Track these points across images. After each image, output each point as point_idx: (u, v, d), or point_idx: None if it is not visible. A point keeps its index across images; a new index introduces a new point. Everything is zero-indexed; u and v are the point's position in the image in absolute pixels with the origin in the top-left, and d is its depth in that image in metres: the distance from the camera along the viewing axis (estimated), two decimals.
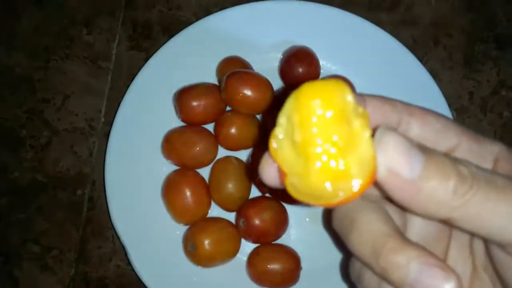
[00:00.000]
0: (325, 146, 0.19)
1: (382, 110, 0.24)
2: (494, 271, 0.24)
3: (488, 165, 0.24)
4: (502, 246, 0.21)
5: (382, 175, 0.20)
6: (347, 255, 0.24)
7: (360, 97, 0.23)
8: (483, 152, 0.24)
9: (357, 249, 0.22)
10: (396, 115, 0.24)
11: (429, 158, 0.20)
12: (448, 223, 0.21)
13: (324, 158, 0.19)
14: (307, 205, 0.21)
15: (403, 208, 0.22)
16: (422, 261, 0.20)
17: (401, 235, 0.21)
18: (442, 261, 0.20)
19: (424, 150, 0.20)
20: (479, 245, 0.25)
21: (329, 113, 0.19)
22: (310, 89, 0.20)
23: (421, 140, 0.24)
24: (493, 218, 0.19)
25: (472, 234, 0.23)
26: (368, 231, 0.22)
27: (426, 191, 0.19)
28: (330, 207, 0.21)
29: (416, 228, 0.25)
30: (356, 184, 0.19)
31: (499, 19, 0.57)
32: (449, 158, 0.20)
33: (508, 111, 0.55)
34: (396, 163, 0.19)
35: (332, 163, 0.19)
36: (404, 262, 0.20)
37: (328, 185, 0.19)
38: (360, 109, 0.20)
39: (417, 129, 0.24)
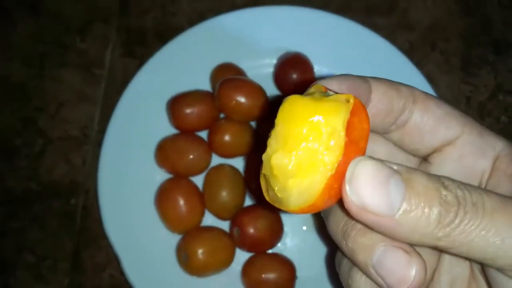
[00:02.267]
0: (284, 160, 0.19)
1: (387, 96, 0.24)
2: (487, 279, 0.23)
3: (486, 162, 0.24)
4: (495, 269, 0.20)
5: (354, 211, 0.19)
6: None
7: (364, 81, 0.23)
8: (484, 147, 0.24)
9: (332, 230, 0.22)
10: (401, 101, 0.24)
11: (409, 187, 0.18)
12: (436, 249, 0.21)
13: (279, 169, 0.20)
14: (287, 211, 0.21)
15: None
16: (387, 243, 0.19)
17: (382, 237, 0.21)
18: (408, 246, 0.19)
19: (404, 176, 0.19)
20: None
21: (295, 132, 0.19)
22: (287, 106, 0.20)
23: (420, 129, 0.24)
24: (482, 246, 0.18)
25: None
26: (341, 214, 0.22)
27: (407, 224, 0.18)
28: (295, 213, 0.21)
29: None
30: (293, 207, 0.20)
31: (495, 23, 0.57)
32: (432, 180, 0.19)
33: (506, 115, 0.55)
34: (370, 201, 0.18)
35: (280, 181, 0.20)
36: (370, 243, 0.20)
37: (278, 194, 0.20)
38: (340, 140, 0.19)
39: (418, 116, 0.24)
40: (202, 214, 0.50)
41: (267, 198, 0.21)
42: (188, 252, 0.46)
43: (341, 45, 0.54)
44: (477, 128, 0.24)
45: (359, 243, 0.20)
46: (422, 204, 0.18)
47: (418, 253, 0.19)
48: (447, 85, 0.55)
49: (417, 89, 0.24)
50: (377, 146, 0.27)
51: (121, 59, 0.58)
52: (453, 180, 0.19)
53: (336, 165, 0.19)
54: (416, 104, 0.24)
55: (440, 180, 0.19)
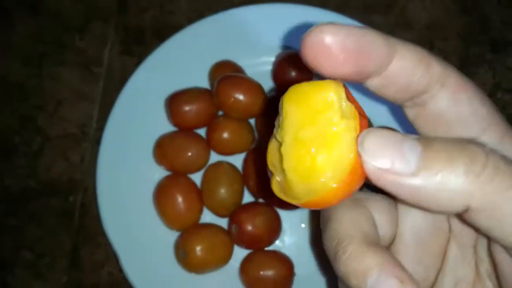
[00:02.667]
0: (301, 147, 0.19)
1: (410, 71, 0.20)
2: (498, 280, 0.21)
3: None
4: None
5: (373, 176, 0.18)
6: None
7: (387, 46, 0.20)
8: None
9: (326, 248, 0.21)
10: (425, 81, 0.20)
11: (427, 146, 0.17)
12: (466, 221, 0.19)
13: (299, 158, 0.19)
14: (294, 207, 0.21)
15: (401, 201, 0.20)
16: (380, 269, 0.18)
17: (366, 238, 0.20)
18: (404, 272, 0.18)
19: (421, 140, 0.17)
20: (484, 248, 0.22)
21: (308, 115, 0.19)
22: (292, 91, 0.19)
23: (436, 118, 0.22)
24: None
25: (487, 236, 0.20)
26: (335, 232, 0.20)
27: (430, 180, 0.17)
28: (309, 208, 0.20)
29: (409, 223, 0.23)
30: (328, 186, 0.18)
31: (493, 22, 0.57)
32: (456, 140, 0.17)
33: (504, 113, 0.54)
34: (384, 159, 0.17)
35: (305, 164, 0.18)
36: (362, 269, 0.18)
37: (301, 185, 0.19)
38: (352, 110, 0.19)
39: (440, 104, 0.21)
40: (201, 211, 0.50)
41: (278, 193, 0.20)
42: (186, 249, 0.46)
43: None
44: (500, 130, 0.21)
45: (350, 268, 0.19)
46: (445, 158, 0.17)
47: (413, 281, 0.18)
48: None
49: (454, 72, 0.21)
50: None
51: (120, 57, 0.58)
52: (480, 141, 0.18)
53: (358, 127, 0.18)
54: (444, 90, 0.21)
55: (463, 139, 0.18)
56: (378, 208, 0.23)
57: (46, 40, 0.59)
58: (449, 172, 0.17)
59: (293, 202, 0.19)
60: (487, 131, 0.21)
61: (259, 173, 0.49)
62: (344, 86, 0.19)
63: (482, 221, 0.17)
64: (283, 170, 0.19)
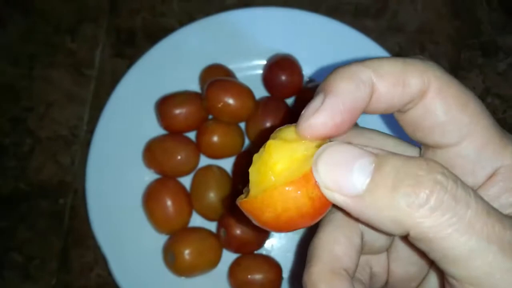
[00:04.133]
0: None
1: (390, 95, 0.21)
2: None
3: (475, 179, 0.22)
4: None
5: (325, 194, 0.19)
6: None
7: (365, 86, 0.21)
8: (478, 165, 0.22)
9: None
10: (406, 98, 0.21)
11: (378, 167, 0.18)
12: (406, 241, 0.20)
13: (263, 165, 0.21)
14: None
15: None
16: None
17: (333, 264, 0.21)
18: None
19: (378, 158, 0.18)
20: None
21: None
22: (271, 149, 0.21)
23: (415, 124, 0.22)
24: (450, 246, 0.17)
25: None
26: (312, 246, 0.22)
27: (372, 204, 0.18)
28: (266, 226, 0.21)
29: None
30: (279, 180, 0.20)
31: (484, 26, 0.57)
32: (410, 161, 0.18)
33: (494, 118, 0.55)
34: (334, 182, 0.19)
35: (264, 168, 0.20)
36: None
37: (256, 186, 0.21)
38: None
39: (417, 111, 0.22)
40: (190, 215, 0.50)
41: (238, 202, 0.22)
42: (174, 253, 0.47)
43: (330, 47, 0.54)
44: (482, 139, 0.21)
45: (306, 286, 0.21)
46: (390, 184, 0.17)
47: None
48: None
49: (433, 76, 0.21)
50: None
51: (111, 59, 0.58)
52: (440, 165, 0.18)
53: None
54: (423, 99, 0.21)
55: (420, 161, 0.18)
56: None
57: (36, 42, 0.59)
58: (391, 201, 0.17)
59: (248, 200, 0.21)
60: (466, 139, 0.21)
61: (248, 177, 0.49)
62: None
63: (421, 245, 0.18)
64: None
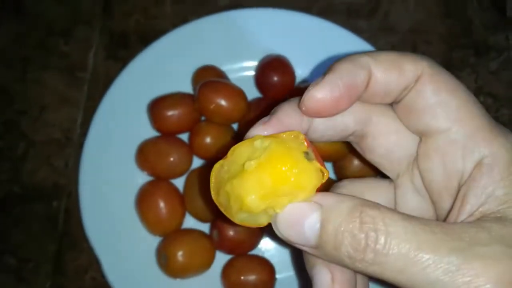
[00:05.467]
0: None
1: (386, 79, 0.23)
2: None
3: (465, 165, 0.23)
4: None
5: (282, 239, 0.22)
6: None
7: (362, 68, 0.23)
8: (467, 149, 0.23)
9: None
10: (402, 83, 0.24)
11: (323, 226, 0.21)
12: None
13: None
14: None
15: None
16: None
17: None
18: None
19: (323, 214, 0.21)
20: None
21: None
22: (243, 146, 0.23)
23: (409, 110, 0.24)
24: (399, 282, 0.20)
25: None
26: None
27: (324, 254, 0.21)
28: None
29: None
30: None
31: (476, 26, 0.57)
32: (347, 220, 0.20)
33: None
34: (291, 237, 0.22)
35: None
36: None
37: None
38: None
39: (411, 97, 0.24)
40: (183, 216, 0.50)
41: (215, 198, 0.23)
42: (167, 254, 0.47)
43: (323, 47, 0.54)
44: (472, 126, 0.22)
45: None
46: (333, 239, 0.20)
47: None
48: None
49: (427, 64, 0.23)
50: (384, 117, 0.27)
51: (104, 62, 0.58)
52: (377, 213, 0.20)
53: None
54: (416, 83, 0.23)
55: (359, 212, 0.20)
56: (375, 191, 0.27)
57: (30, 44, 0.59)
58: (338, 254, 0.21)
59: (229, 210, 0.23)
60: (456, 124, 0.23)
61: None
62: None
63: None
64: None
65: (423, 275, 0.19)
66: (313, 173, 0.22)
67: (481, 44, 0.57)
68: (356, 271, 0.21)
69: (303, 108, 0.23)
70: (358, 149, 0.28)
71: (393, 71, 0.23)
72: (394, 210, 0.21)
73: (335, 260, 0.21)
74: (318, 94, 0.23)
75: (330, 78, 0.23)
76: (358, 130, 0.26)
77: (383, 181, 0.28)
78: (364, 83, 0.23)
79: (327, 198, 0.21)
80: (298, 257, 0.49)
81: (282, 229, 0.22)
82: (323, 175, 0.22)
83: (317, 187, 0.22)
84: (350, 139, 0.27)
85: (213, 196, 0.23)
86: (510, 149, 0.22)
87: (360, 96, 0.24)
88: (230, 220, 0.23)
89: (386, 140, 0.26)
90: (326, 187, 0.23)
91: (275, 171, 0.22)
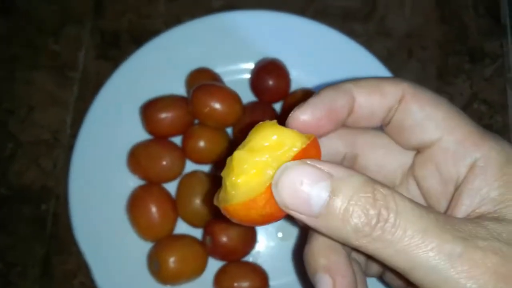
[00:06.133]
0: (245, 157, 0.22)
1: (369, 102, 0.25)
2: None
3: (459, 170, 0.24)
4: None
5: (281, 208, 0.21)
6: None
7: (345, 93, 0.25)
8: (459, 155, 0.24)
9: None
10: (385, 104, 0.25)
11: (333, 192, 0.20)
12: None
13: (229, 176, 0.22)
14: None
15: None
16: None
17: (328, 242, 0.24)
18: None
19: (334, 182, 0.20)
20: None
21: (262, 143, 0.22)
22: (261, 125, 0.23)
23: (399, 128, 0.26)
24: (396, 263, 0.20)
25: None
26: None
27: (327, 225, 0.20)
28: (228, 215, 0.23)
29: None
30: (236, 201, 0.22)
31: (471, 32, 0.57)
32: (362, 189, 0.20)
33: (481, 124, 0.55)
34: (292, 206, 0.21)
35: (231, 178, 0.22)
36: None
37: (228, 188, 0.22)
38: (290, 155, 0.22)
39: (398, 116, 0.25)
40: (175, 222, 0.49)
41: (215, 201, 0.24)
42: (159, 260, 0.46)
43: (318, 50, 0.54)
44: (460, 134, 0.24)
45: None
46: (343, 211, 0.20)
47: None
48: None
49: (407, 85, 0.25)
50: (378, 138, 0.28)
51: (95, 61, 0.57)
52: (389, 192, 0.20)
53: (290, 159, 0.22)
54: (400, 103, 0.25)
55: (372, 188, 0.20)
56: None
57: (18, 43, 0.57)
58: (342, 227, 0.20)
59: (226, 207, 0.22)
60: (446, 133, 0.24)
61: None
62: (314, 139, 0.23)
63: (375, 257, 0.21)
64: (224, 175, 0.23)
65: (424, 258, 0.19)
66: (296, 134, 0.22)
67: (476, 51, 0.57)
68: (353, 247, 0.21)
69: (288, 126, 0.25)
70: None
71: (375, 95, 0.25)
72: (401, 193, 0.21)
73: (335, 233, 0.20)
74: (301, 116, 0.25)
75: (313, 101, 0.25)
76: (349, 152, 0.27)
77: None
78: (345, 106, 0.25)
79: (337, 169, 0.21)
80: (298, 262, 0.49)
81: (283, 193, 0.21)
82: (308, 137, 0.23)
83: (304, 146, 0.22)
84: (345, 164, 0.28)
85: (214, 199, 0.24)
86: (500, 151, 0.23)
87: (344, 119, 0.26)
88: (229, 220, 0.23)
89: (376, 156, 0.27)
90: None
91: (257, 137, 0.22)
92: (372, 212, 0.20)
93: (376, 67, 0.52)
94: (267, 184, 0.21)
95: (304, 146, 0.22)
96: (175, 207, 0.49)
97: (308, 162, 0.21)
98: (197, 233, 0.49)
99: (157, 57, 0.53)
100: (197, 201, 0.48)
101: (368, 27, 0.58)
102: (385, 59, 0.54)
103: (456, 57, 0.57)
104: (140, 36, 0.56)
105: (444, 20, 0.58)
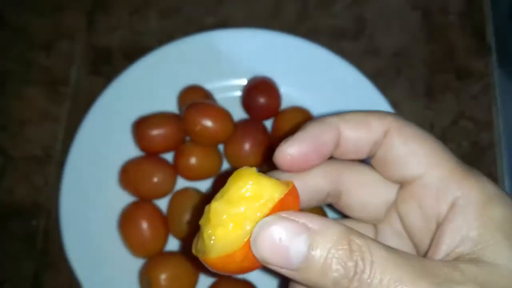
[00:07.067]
0: (222, 209, 0.22)
1: (355, 137, 0.25)
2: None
3: (440, 207, 0.24)
4: None
5: (260, 262, 0.21)
6: None
7: (330, 127, 0.25)
8: (441, 193, 0.24)
9: None
10: (371, 138, 0.25)
11: (311, 249, 0.20)
12: None
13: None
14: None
15: None
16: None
17: None
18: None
19: (311, 237, 0.20)
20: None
21: (241, 193, 0.22)
22: (240, 172, 0.23)
23: (383, 163, 0.26)
24: None
25: None
26: None
27: (306, 278, 0.21)
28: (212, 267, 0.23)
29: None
30: (214, 255, 0.22)
31: (458, 50, 0.58)
32: (342, 238, 0.20)
33: (468, 141, 0.56)
34: (271, 261, 0.21)
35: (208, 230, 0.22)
36: None
37: (206, 240, 0.22)
38: (269, 208, 0.22)
39: (381, 151, 0.26)
40: (166, 238, 0.49)
41: (193, 250, 0.24)
42: (150, 278, 0.46)
43: (308, 68, 0.54)
44: (442, 171, 0.24)
45: None
46: (322, 264, 0.20)
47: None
48: (411, 111, 0.57)
49: (393, 119, 0.25)
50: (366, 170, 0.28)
51: (87, 77, 0.57)
52: (364, 242, 0.20)
53: (268, 212, 0.22)
54: (385, 138, 0.25)
55: (348, 240, 0.20)
56: None
57: (10, 58, 0.57)
58: (322, 280, 0.20)
59: (204, 259, 0.22)
60: (428, 170, 0.24)
61: (214, 196, 0.49)
62: (293, 187, 0.23)
63: None
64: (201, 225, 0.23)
65: None
66: (274, 183, 0.22)
67: (463, 69, 0.58)
68: None
69: (276, 162, 0.26)
70: (339, 209, 0.29)
71: (361, 129, 0.25)
72: (376, 240, 0.21)
73: (316, 285, 0.21)
74: (288, 150, 0.25)
75: (300, 135, 0.25)
76: (332, 190, 0.27)
77: (364, 224, 0.29)
78: (331, 140, 0.25)
79: (314, 221, 0.21)
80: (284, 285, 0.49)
81: (262, 249, 0.21)
82: (287, 185, 0.23)
83: (281, 196, 0.22)
84: (328, 201, 0.28)
85: (193, 249, 0.24)
86: (482, 190, 0.23)
87: (330, 153, 0.26)
88: (211, 271, 0.23)
89: (360, 194, 0.27)
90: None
91: (234, 187, 0.22)
92: (349, 264, 0.20)
93: (365, 85, 0.53)
94: (245, 239, 0.21)
95: (282, 196, 0.22)
96: (166, 223, 0.49)
97: (285, 215, 0.21)
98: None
99: (149, 73, 0.53)
100: (188, 218, 0.48)
101: (358, 46, 0.59)
102: (374, 76, 0.55)
103: (443, 75, 0.58)
104: (132, 53, 0.57)
105: (431, 39, 0.59)
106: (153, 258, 0.47)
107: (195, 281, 0.48)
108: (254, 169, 0.23)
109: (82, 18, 0.59)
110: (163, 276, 0.46)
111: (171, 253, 0.49)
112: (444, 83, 0.58)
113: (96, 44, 0.58)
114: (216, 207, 0.22)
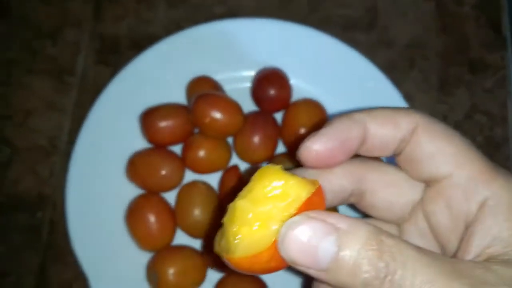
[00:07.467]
0: (248, 207, 0.21)
1: (382, 134, 0.25)
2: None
3: (470, 207, 0.23)
4: None
5: (288, 263, 0.21)
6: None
7: (357, 123, 0.25)
8: (470, 192, 0.23)
9: None
10: (398, 136, 0.25)
11: (341, 250, 0.20)
12: None
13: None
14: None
15: None
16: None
17: None
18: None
19: (340, 237, 0.20)
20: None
21: (266, 191, 0.22)
22: (265, 169, 0.23)
23: (410, 161, 0.25)
24: None
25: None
26: None
27: (334, 279, 0.20)
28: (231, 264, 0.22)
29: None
30: (238, 255, 0.21)
31: (472, 43, 0.57)
32: (371, 238, 0.20)
33: (481, 136, 0.55)
34: (299, 262, 0.20)
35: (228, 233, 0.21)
36: None
37: (231, 238, 0.22)
38: (296, 207, 0.21)
39: (408, 149, 0.25)
40: (174, 232, 0.48)
41: (217, 248, 0.23)
42: (158, 272, 0.45)
43: (320, 59, 0.53)
44: (471, 170, 0.23)
45: None
46: (352, 265, 0.20)
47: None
48: (424, 104, 0.55)
49: (420, 117, 0.25)
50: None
51: (94, 66, 0.56)
52: (394, 242, 0.20)
53: (294, 212, 0.21)
54: (412, 136, 0.25)
55: (378, 240, 0.20)
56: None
57: (15, 47, 0.56)
58: (352, 281, 0.20)
59: (228, 258, 0.22)
60: (457, 169, 0.24)
61: (236, 193, 0.48)
62: (319, 187, 0.23)
63: None
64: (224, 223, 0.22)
65: None
66: (300, 182, 0.22)
67: (477, 62, 0.57)
68: None
69: (300, 158, 0.25)
70: (361, 209, 0.28)
71: (388, 125, 0.25)
72: (406, 240, 0.21)
73: (344, 286, 0.20)
74: (314, 146, 0.24)
75: (326, 131, 0.25)
76: (355, 189, 0.27)
77: (388, 224, 0.28)
78: (358, 137, 0.25)
79: (343, 221, 0.20)
80: (298, 273, 0.48)
81: (290, 250, 0.20)
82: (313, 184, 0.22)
83: (308, 195, 0.21)
84: (351, 200, 0.28)
85: (215, 247, 0.23)
86: (511, 190, 0.23)
87: (356, 149, 0.26)
88: (233, 270, 0.22)
89: (384, 194, 0.27)
90: None
91: (259, 185, 0.22)
92: (380, 265, 0.19)
93: (378, 77, 0.52)
94: (272, 240, 0.21)
95: (309, 195, 0.21)
96: (174, 217, 0.48)
97: (313, 215, 0.21)
98: (196, 243, 0.49)
99: (157, 63, 0.52)
100: (197, 212, 0.47)
101: (371, 37, 0.57)
102: (387, 68, 0.54)
103: (457, 68, 0.57)
104: (139, 42, 0.56)
105: (445, 31, 0.57)
106: (161, 252, 0.47)
107: (203, 275, 0.47)
108: (280, 166, 0.22)
109: (89, 6, 0.58)
110: (171, 271, 0.45)
111: (179, 247, 0.48)
112: (458, 76, 0.56)
113: (103, 33, 0.57)
114: (241, 205, 0.21)
